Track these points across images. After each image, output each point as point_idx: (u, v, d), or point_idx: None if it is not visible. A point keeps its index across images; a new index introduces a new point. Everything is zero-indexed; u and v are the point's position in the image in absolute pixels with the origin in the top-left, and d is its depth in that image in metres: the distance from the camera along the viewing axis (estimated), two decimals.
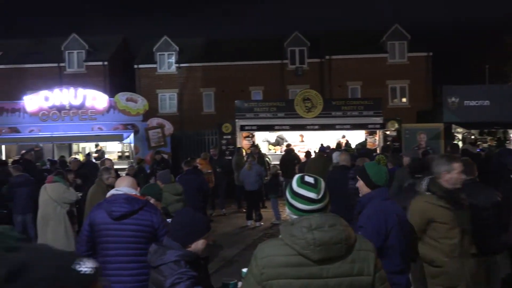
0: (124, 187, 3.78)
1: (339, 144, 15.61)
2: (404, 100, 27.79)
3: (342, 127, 16.72)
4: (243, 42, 29.99)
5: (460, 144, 15.43)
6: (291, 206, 2.40)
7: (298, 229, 2.29)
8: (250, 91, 28.44)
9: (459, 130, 17.31)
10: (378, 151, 14.52)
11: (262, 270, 2.31)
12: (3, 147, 17.52)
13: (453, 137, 16.73)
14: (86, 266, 1.35)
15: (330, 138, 16.84)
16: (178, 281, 2.58)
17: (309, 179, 2.42)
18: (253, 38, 31.20)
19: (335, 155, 8.62)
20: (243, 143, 16.79)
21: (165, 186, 7.00)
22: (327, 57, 28.11)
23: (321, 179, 2.44)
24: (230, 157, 15.33)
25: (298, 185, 2.40)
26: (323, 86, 27.43)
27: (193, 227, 2.82)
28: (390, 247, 3.42)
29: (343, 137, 16.98)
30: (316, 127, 16.65)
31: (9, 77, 28.33)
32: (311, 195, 2.36)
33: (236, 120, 16.96)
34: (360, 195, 3.78)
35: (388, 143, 15.84)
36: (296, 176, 2.47)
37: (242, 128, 16.83)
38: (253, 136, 17.23)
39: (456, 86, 18.03)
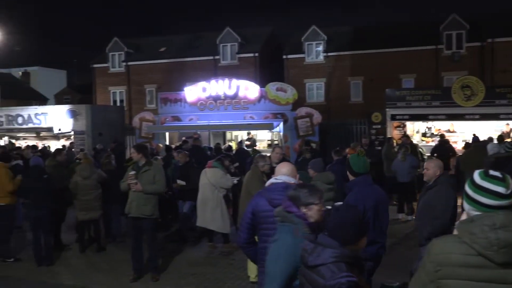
0: (283, 175, 3.83)
1: (501, 136, 14.16)
2: None
3: (507, 116, 15.13)
4: (394, 28, 28.74)
5: None
6: (473, 201, 2.19)
7: (479, 226, 2.09)
8: (401, 79, 27.22)
9: None
10: None
11: (437, 267, 2.16)
12: (167, 134, 19.22)
13: None
14: None
15: (489, 128, 15.37)
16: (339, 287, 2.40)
17: (494, 172, 2.19)
18: (405, 23, 29.73)
19: (490, 147, 7.82)
20: (394, 133, 16.14)
21: (317, 175, 7.01)
22: (489, 40, 25.65)
23: (508, 175, 2.19)
24: (379, 148, 14.86)
25: (482, 178, 2.18)
26: (483, 72, 25.09)
27: (358, 226, 2.64)
28: (366, 223, 3.91)
29: (507, 125, 15.38)
30: (477, 116, 15.31)
31: (171, 70, 31.01)
32: (499, 189, 2.13)
33: (387, 109, 16.38)
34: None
35: None
36: (478, 170, 2.26)
37: (393, 117, 16.20)
38: (404, 126, 16.46)
39: None
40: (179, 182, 8.90)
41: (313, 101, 28.38)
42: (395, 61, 26.89)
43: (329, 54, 28.98)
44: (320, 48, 29.34)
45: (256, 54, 30.13)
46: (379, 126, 16.73)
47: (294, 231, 3.00)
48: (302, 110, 17.61)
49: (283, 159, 8.57)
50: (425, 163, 5.54)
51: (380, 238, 4.35)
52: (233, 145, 17.47)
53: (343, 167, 8.99)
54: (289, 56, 29.85)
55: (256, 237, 4.00)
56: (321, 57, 29.26)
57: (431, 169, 5.37)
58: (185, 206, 9.55)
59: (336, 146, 12.30)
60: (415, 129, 17.02)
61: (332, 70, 28.89)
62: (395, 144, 14.46)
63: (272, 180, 3.87)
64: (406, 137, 14.58)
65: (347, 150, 12.58)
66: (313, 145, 15.51)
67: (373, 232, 4.15)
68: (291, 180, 3.80)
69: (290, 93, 17.71)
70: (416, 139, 16.31)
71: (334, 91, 28.74)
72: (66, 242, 9.28)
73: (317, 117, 17.28)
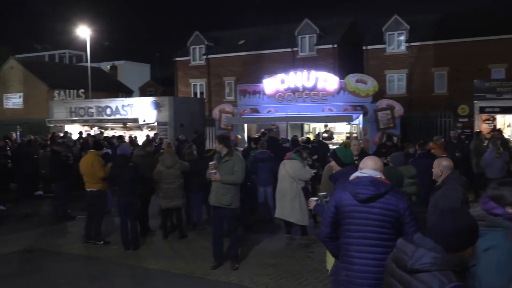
0: (369, 169, 3.71)
1: None
2: None
3: None
4: (483, 15, 27.06)
5: None
6: None
7: None
8: (490, 69, 25.60)
9: None
10: None
11: None
12: (245, 125, 19.46)
13: None
14: None
15: None
16: None
17: None
18: (495, 9, 27.88)
19: None
20: (482, 127, 15.25)
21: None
22: None
23: None
24: (466, 142, 14.12)
25: None
26: None
27: (471, 234, 2.38)
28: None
29: None
30: None
31: (249, 62, 31.35)
32: None
33: (475, 101, 15.52)
34: (334, 172, 4.89)
35: None
36: None
37: (482, 110, 15.32)
38: (494, 119, 15.50)
39: None
40: None
41: (393, 93, 27.50)
42: (483, 51, 25.32)
43: (412, 44, 27.88)
44: (402, 38, 28.31)
45: (335, 46, 29.66)
46: (466, 119, 15.89)
47: (507, 236, 2.67)
48: (383, 102, 17.09)
49: (362, 151, 8.39)
50: (435, 161, 5.33)
51: None
52: (311, 137, 17.35)
53: (427, 160, 8.73)
54: (369, 47, 29.08)
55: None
56: (403, 47, 28.23)
57: (435, 168, 5.18)
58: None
59: (418, 139, 11.85)
60: (506, 123, 15.98)
61: (415, 60, 27.78)
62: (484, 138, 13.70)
63: (357, 174, 3.76)
64: (497, 131, 13.73)
65: (430, 144, 12.08)
66: (394, 138, 15.05)
67: None
68: (377, 175, 3.66)
69: (370, 84, 17.26)
70: (507, 133, 15.32)
71: (417, 83, 27.64)
72: (151, 229, 9.71)
73: (399, 109, 16.70)
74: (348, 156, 4.92)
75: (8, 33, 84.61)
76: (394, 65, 28.26)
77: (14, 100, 36.29)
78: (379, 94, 20.69)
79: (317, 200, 4.89)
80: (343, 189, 3.76)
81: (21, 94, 35.89)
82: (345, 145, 6.62)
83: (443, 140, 12.84)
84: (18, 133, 22.05)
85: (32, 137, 17.44)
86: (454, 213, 2.45)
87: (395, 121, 16.54)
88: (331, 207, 3.76)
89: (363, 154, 7.67)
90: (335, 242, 3.86)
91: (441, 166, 5.18)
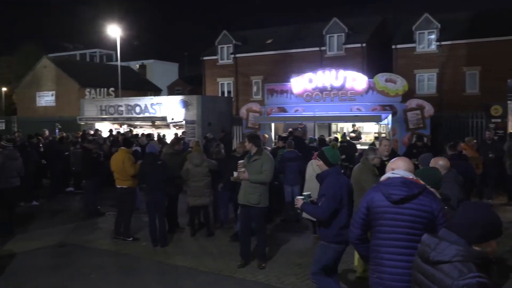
0: (400, 170, 3.66)
1: None
2: None
3: None
4: None
5: None
6: None
7: None
8: None
9: None
10: None
11: None
12: (273, 125, 19.44)
13: None
14: None
15: None
16: None
17: None
18: None
19: None
20: None
21: None
22: None
23: None
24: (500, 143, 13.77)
25: None
26: None
27: (490, 226, 2.40)
28: (341, 209, 4.91)
29: None
30: None
31: (277, 61, 31.32)
32: None
33: (508, 102, 15.12)
34: (320, 171, 5.18)
35: None
36: None
37: None
38: None
39: None
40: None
41: (423, 92, 27.07)
42: None
43: (443, 43, 27.37)
44: (433, 36, 27.82)
45: (364, 45, 29.36)
46: (499, 120, 15.48)
47: None
48: (413, 102, 16.82)
49: (393, 152, 8.28)
50: (431, 160, 5.55)
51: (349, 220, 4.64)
52: (339, 136, 17.22)
53: (459, 162, 8.55)
54: (399, 46, 28.69)
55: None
56: (434, 46, 27.74)
57: None
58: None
59: (449, 140, 11.65)
60: None
61: (445, 60, 27.27)
62: None
63: (388, 175, 3.71)
64: None
65: (461, 145, 11.84)
66: (425, 138, 14.80)
67: (346, 216, 4.91)
68: (409, 176, 3.62)
69: (399, 84, 17.01)
70: None
71: (447, 82, 27.13)
72: (180, 226, 9.80)
73: (429, 109, 16.41)
74: (335, 156, 5.19)
75: (40, 33, 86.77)
76: (424, 65, 27.81)
77: (47, 98, 37.21)
78: (409, 94, 20.36)
79: (303, 199, 5.15)
80: (375, 190, 3.71)
81: (53, 92, 36.75)
82: (332, 146, 6.89)
83: (475, 141, 12.57)
84: (57, 130, 22.61)
85: (64, 134, 17.81)
86: (474, 206, 2.52)
87: (425, 121, 16.26)
88: (363, 208, 3.72)
89: (393, 154, 7.59)
90: (365, 244, 3.82)
91: (437, 165, 5.15)
